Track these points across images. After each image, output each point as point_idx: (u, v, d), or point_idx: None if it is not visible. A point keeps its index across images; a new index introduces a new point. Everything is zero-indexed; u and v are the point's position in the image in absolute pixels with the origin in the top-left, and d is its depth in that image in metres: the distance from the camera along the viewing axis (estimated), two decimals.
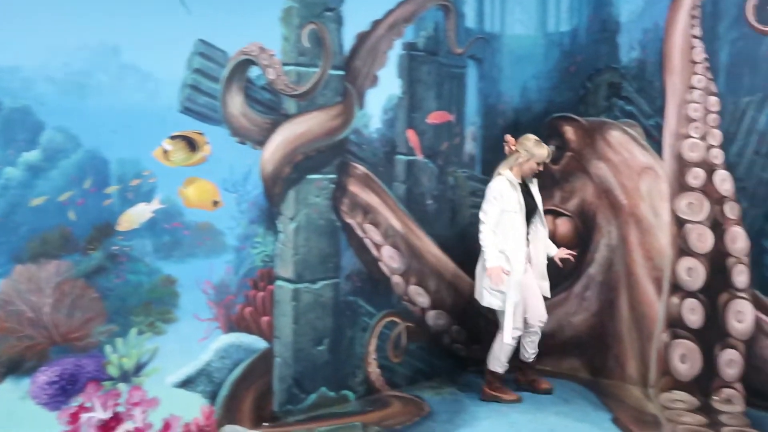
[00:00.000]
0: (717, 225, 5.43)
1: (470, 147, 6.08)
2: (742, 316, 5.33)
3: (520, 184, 5.35)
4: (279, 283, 4.89)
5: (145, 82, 4.21)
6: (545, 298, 5.53)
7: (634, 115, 5.81)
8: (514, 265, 5.26)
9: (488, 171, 6.06)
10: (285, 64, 4.80)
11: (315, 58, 4.96)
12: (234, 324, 4.68)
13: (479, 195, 5.94)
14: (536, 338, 5.55)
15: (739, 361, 5.37)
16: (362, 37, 5.22)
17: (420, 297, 5.78)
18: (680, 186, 5.57)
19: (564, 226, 6.22)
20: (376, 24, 5.28)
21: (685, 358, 5.60)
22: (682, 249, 5.57)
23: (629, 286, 5.87)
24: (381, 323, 5.53)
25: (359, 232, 5.33)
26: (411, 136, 5.59)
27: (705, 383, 5.52)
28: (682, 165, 5.56)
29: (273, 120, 4.78)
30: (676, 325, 5.63)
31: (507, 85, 6.29)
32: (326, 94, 5.04)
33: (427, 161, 5.74)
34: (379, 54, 5.33)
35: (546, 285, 5.56)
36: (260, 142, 4.74)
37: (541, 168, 5.40)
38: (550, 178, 6.21)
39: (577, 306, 6.11)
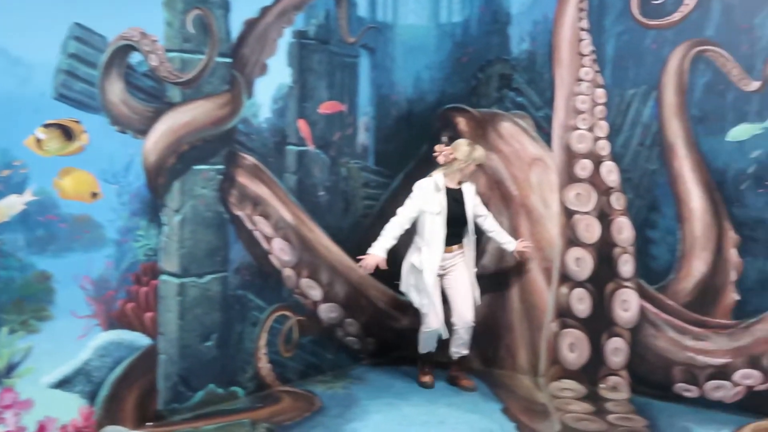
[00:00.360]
0: (604, 215, 5.53)
1: (363, 138, 6.00)
2: (627, 305, 5.45)
3: (455, 190, 5.44)
4: (163, 277, 4.72)
5: (14, 67, 3.97)
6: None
7: (524, 107, 5.86)
8: (426, 266, 5.31)
9: (381, 162, 6.04)
10: (168, 51, 4.62)
11: (201, 45, 4.79)
12: (115, 321, 4.48)
13: (372, 186, 5.91)
14: (461, 339, 5.56)
15: (624, 349, 5.49)
16: (251, 24, 5.07)
17: (312, 290, 5.68)
18: (569, 177, 5.65)
19: None
20: (265, 11, 5.15)
21: (574, 347, 5.68)
22: (571, 239, 5.65)
23: (520, 276, 5.92)
24: (272, 317, 5.41)
25: (249, 225, 5.20)
26: (302, 126, 5.48)
27: (592, 371, 5.62)
28: (571, 156, 5.64)
29: (156, 108, 4.60)
30: (565, 314, 5.71)
31: (400, 76, 6.24)
32: (213, 82, 4.87)
33: (319, 152, 5.64)
34: (268, 41, 5.20)
35: (477, 292, 5.63)
36: (142, 132, 4.55)
37: (441, 149, 5.46)
38: None
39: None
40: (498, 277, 6.04)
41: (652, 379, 5.38)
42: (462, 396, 5.45)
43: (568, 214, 5.66)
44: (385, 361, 6.28)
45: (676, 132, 5.22)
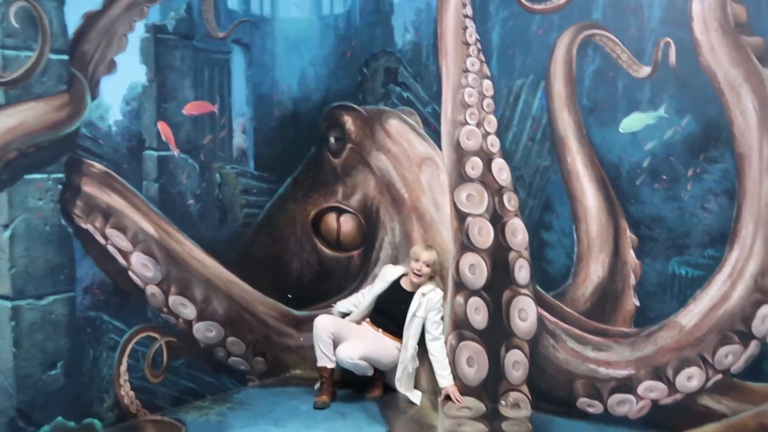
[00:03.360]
0: (497, 218, 5.07)
1: (240, 141, 5.51)
2: (525, 314, 5.00)
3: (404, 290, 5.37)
4: None
5: None
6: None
7: (411, 102, 5.41)
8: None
9: (264, 166, 5.58)
10: None
11: (29, 40, 4.28)
12: None
13: (254, 193, 5.44)
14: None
15: (524, 363, 5.04)
16: (92, 18, 4.57)
17: (184, 308, 5.18)
18: (459, 177, 5.20)
19: (348, 223, 5.76)
20: (109, 2, 4.64)
21: (472, 361, 5.23)
22: (464, 244, 5.20)
23: None
24: (133, 340, 4.89)
25: (100, 239, 4.68)
26: (163, 128, 4.98)
27: (492, 388, 5.18)
28: (461, 154, 5.19)
29: None
30: (462, 326, 5.26)
31: (282, 73, 5.75)
32: (46, 82, 4.37)
33: (186, 157, 5.14)
34: (115, 37, 4.70)
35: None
36: None
37: (422, 269, 5.23)
38: (332, 173, 5.74)
39: None
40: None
41: (554, 394, 4.94)
42: (346, 419, 4.97)
43: (461, 217, 5.19)
44: (277, 381, 5.79)
45: (566, 124, 4.79)
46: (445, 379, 5.21)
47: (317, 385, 5.35)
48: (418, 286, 5.25)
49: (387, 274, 5.39)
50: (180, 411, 5.09)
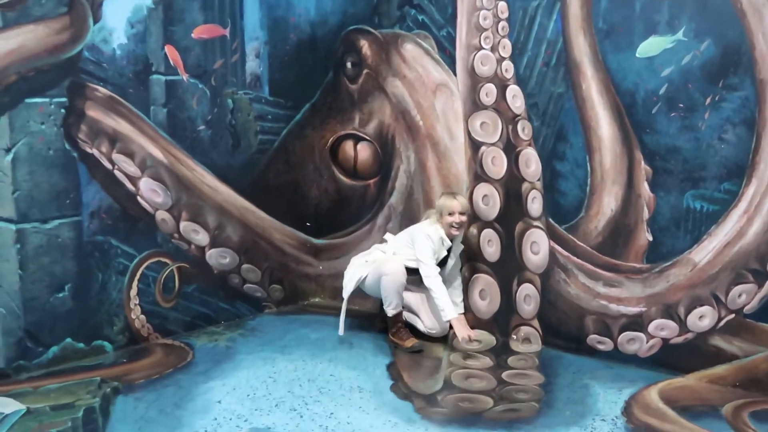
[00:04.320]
0: (510, 147, 4.88)
1: (254, 66, 5.41)
2: (537, 247, 4.85)
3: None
4: None
5: None
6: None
7: (426, 26, 5.21)
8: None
9: (279, 92, 5.49)
10: None
11: None
12: None
13: (268, 119, 5.37)
14: None
15: (535, 297, 4.92)
16: None
17: (196, 234, 5.19)
18: (473, 104, 5.01)
19: (364, 151, 5.65)
20: None
21: (485, 294, 5.12)
22: (478, 174, 5.04)
23: None
24: (143, 265, 4.93)
25: (106, 164, 4.69)
26: (170, 52, 4.91)
27: (504, 321, 5.07)
28: (475, 80, 4.99)
29: None
30: (474, 258, 5.14)
31: None
32: (45, 4, 4.33)
33: (196, 81, 5.07)
34: None
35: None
36: None
37: (461, 220, 4.88)
38: (349, 100, 5.61)
39: (380, 240, 5.56)
40: (407, 217, 5.47)
41: (564, 330, 4.82)
42: (353, 349, 4.95)
43: (474, 146, 5.02)
44: (295, 309, 5.80)
45: (582, 49, 4.54)
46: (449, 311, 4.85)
47: (394, 334, 5.03)
48: (454, 237, 4.98)
49: (433, 237, 4.90)
50: (192, 336, 5.14)
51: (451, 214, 4.82)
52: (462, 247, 5.11)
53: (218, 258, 5.33)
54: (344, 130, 5.68)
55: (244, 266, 5.50)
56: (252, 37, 5.37)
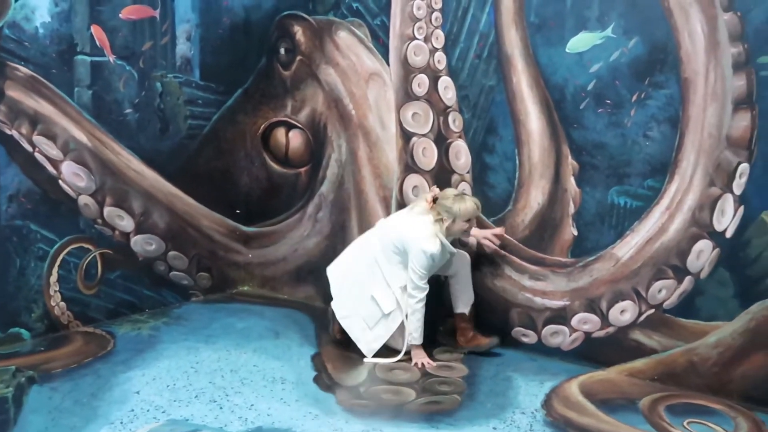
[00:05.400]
0: (441, 138, 4.87)
1: (184, 48, 5.29)
2: (466, 241, 4.83)
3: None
4: None
5: None
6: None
7: (360, 13, 5.15)
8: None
9: (211, 76, 5.41)
10: None
11: None
12: None
13: (199, 104, 5.27)
14: None
15: None
16: None
17: (121, 220, 5.07)
18: (406, 94, 4.98)
19: (296, 139, 5.59)
20: None
21: None
22: (409, 165, 5.02)
23: (359, 206, 5.32)
24: (64, 251, 4.80)
25: (26, 146, 4.55)
26: (97, 32, 4.78)
27: (433, 313, 5.03)
28: (408, 71, 4.96)
29: None
30: None
31: None
32: None
33: (123, 63, 4.94)
34: None
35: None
36: None
37: (473, 226, 4.50)
38: (281, 86, 5.53)
39: (311, 228, 5.55)
40: (337, 207, 5.42)
41: (490, 322, 4.82)
42: (279, 339, 4.91)
43: (406, 136, 5.00)
44: (223, 297, 5.72)
45: (513, 42, 4.55)
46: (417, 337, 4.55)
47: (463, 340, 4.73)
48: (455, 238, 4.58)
49: (436, 254, 4.37)
50: (114, 324, 5.03)
51: (467, 221, 4.39)
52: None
53: (144, 244, 5.23)
54: (276, 117, 5.61)
55: (171, 253, 5.40)
56: (183, 19, 5.26)
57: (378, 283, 4.54)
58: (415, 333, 4.46)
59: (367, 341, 4.57)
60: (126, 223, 5.10)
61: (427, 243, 4.30)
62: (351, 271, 4.71)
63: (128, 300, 5.20)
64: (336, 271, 4.81)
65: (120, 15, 4.88)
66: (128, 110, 5.02)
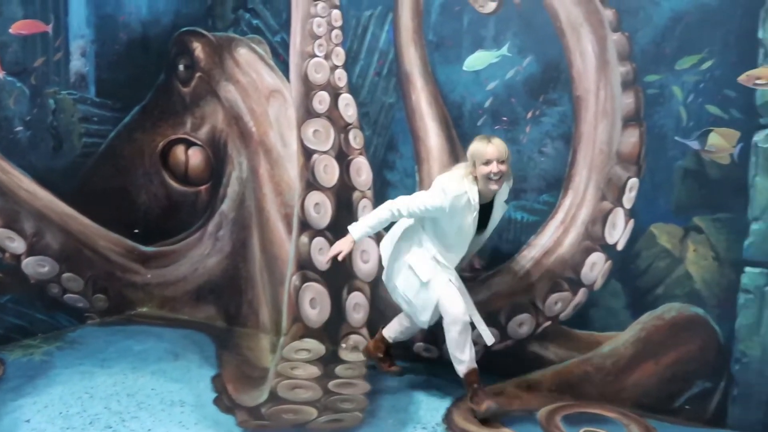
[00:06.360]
0: (342, 155, 4.88)
1: (79, 64, 5.16)
2: (366, 256, 4.87)
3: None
4: None
5: None
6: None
7: (260, 30, 5.14)
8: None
9: (108, 93, 5.29)
10: None
11: None
12: None
13: (95, 121, 5.14)
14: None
15: (365, 305, 4.93)
16: None
17: (11, 242, 4.88)
18: (307, 111, 4.98)
19: (196, 157, 5.50)
20: None
21: (315, 303, 5.09)
22: (310, 182, 5.00)
23: (261, 224, 5.27)
24: None
25: None
26: None
27: (334, 330, 5.05)
28: (308, 88, 4.96)
29: None
30: (306, 266, 5.10)
31: None
32: None
33: (13, 79, 4.78)
34: None
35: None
36: None
37: (500, 170, 3.80)
38: (180, 103, 5.45)
39: (211, 247, 5.46)
40: (239, 225, 5.36)
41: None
42: (178, 360, 4.79)
43: (307, 153, 4.99)
44: (120, 319, 5.56)
45: (412, 60, 4.61)
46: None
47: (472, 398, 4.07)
48: (494, 193, 3.97)
49: (454, 198, 3.85)
50: (5, 350, 4.82)
51: (486, 163, 3.79)
52: (506, 206, 4.20)
53: (36, 266, 5.04)
54: (175, 135, 5.52)
55: (65, 275, 5.22)
56: (77, 34, 5.12)
57: (414, 252, 4.13)
58: (359, 223, 4.04)
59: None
60: (17, 245, 4.92)
61: (449, 180, 3.89)
62: (394, 242, 4.26)
63: (19, 324, 5.00)
64: (385, 244, 4.37)
65: (10, 30, 4.73)
66: (19, 128, 4.85)
